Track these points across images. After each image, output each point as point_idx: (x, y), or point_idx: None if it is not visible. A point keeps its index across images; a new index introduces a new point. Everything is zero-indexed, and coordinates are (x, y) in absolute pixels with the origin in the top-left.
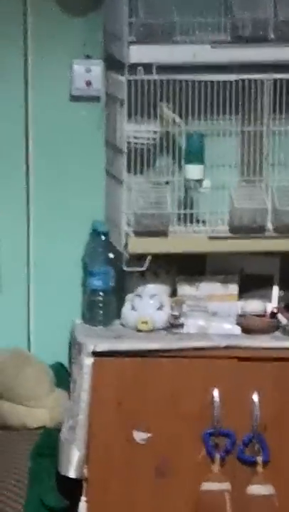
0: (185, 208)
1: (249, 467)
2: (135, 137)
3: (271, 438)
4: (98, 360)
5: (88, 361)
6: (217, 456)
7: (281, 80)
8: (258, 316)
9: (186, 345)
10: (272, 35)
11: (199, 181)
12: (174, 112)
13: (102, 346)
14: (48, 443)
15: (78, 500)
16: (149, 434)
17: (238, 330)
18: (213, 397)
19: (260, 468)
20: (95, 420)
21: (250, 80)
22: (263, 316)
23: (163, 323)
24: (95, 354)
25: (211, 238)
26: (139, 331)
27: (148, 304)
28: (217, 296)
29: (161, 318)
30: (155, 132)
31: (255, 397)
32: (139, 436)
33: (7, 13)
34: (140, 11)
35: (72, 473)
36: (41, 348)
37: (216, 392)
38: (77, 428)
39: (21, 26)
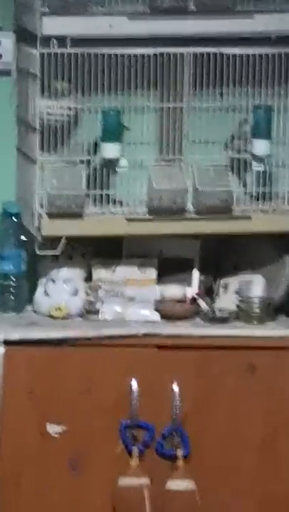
0: (101, 189)
1: (169, 461)
2: (48, 113)
3: (192, 430)
4: (10, 350)
5: None
6: (135, 450)
7: (202, 53)
8: (177, 301)
9: (102, 333)
10: (192, 7)
11: (116, 160)
12: (89, 87)
13: (14, 335)
14: None
15: None
16: (63, 427)
17: (156, 316)
18: (131, 387)
19: (180, 463)
20: (6, 413)
21: (169, 54)
22: (183, 301)
23: (78, 310)
24: (7, 343)
25: (129, 220)
26: (52, 317)
27: (62, 289)
28: (134, 281)
29: (76, 304)
30: (70, 108)
31: (176, 388)
32: (53, 429)
33: None
34: None
35: None
36: None
37: (134, 383)
38: None
39: None
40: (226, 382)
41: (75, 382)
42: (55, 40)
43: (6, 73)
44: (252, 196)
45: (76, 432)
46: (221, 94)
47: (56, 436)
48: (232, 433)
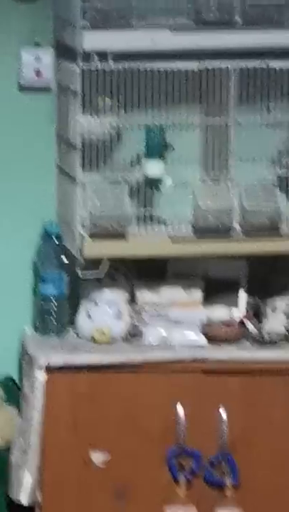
0: (145, 208)
1: (217, 490)
2: (90, 131)
3: (240, 458)
4: (51, 376)
5: (40, 377)
6: (182, 478)
7: (248, 68)
8: (224, 324)
9: (147, 358)
10: (238, 19)
11: (160, 179)
12: (131, 103)
13: (56, 360)
14: None
15: None
16: (107, 455)
17: (202, 340)
18: (177, 413)
19: (228, 491)
20: (49, 441)
21: (214, 69)
22: (230, 324)
23: (121, 333)
24: (48, 369)
25: (174, 240)
26: (95, 341)
27: (105, 311)
28: (180, 303)
29: (120, 327)
30: (111, 126)
31: (223, 414)
32: (97, 457)
33: None
34: None
35: (23, 499)
36: None
37: (180, 409)
38: (29, 450)
39: None
40: (276, 408)
41: (120, 409)
42: (96, 56)
43: (46, 90)
44: None
45: (121, 460)
46: (268, 109)
47: (100, 464)
48: (282, 461)
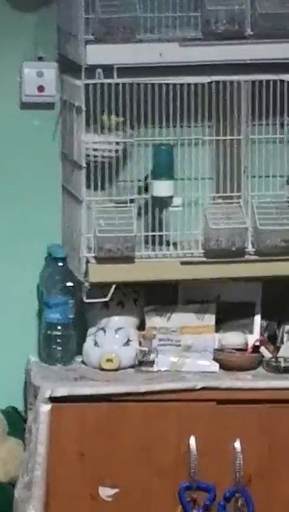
0: (153, 230)
1: None
2: (95, 149)
3: (257, 491)
4: (56, 407)
5: (45, 408)
6: None
7: (260, 81)
8: (238, 350)
9: (157, 388)
10: (249, 31)
11: (169, 199)
12: (138, 120)
13: (61, 391)
14: (0, 500)
15: None
16: (116, 490)
17: (215, 367)
18: (189, 446)
19: None
20: (55, 476)
21: (224, 82)
22: (244, 350)
23: (130, 361)
24: (53, 400)
25: (184, 263)
26: (103, 369)
27: (113, 338)
28: (191, 328)
29: (129, 354)
30: (117, 144)
31: (238, 445)
32: (106, 492)
33: None
34: (98, 6)
35: None
36: None
37: (192, 441)
38: (34, 485)
39: None
40: None
41: (129, 441)
42: (100, 70)
43: (49, 106)
44: None
45: (130, 496)
46: (282, 125)
47: (109, 499)
48: None
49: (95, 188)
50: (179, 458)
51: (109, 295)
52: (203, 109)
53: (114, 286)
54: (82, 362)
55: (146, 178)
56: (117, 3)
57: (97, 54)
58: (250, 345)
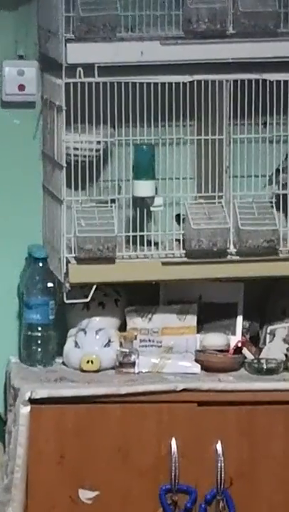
0: (134, 230)
1: None
2: (75, 148)
3: (238, 494)
4: (36, 408)
5: (24, 410)
6: None
7: (243, 80)
8: (220, 351)
9: (138, 390)
10: (231, 29)
11: (150, 199)
12: (120, 119)
13: (41, 392)
14: None
15: None
16: (96, 492)
17: (197, 368)
18: (170, 448)
19: None
20: (34, 478)
21: (206, 81)
22: (226, 351)
23: (111, 362)
24: (32, 401)
25: (165, 264)
26: (83, 371)
27: (93, 339)
28: (173, 329)
29: (109, 355)
30: (98, 143)
31: (219, 448)
32: (86, 495)
33: None
34: (78, 4)
35: None
36: None
37: (173, 443)
38: (13, 488)
39: None
40: (275, 441)
41: (109, 443)
42: (81, 69)
43: (30, 105)
44: None
45: (110, 498)
46: (265, 124)
47: (89, 502)
48: (281, 497)
49: (76, 188)
50: (160, 460)
51: (90, 296)
52: (184, 109)
53: (94, 287)
54: (63, 363)
55: (127, 179)
56: (97, 1)
57: (77, 53)
58: (232, 346)
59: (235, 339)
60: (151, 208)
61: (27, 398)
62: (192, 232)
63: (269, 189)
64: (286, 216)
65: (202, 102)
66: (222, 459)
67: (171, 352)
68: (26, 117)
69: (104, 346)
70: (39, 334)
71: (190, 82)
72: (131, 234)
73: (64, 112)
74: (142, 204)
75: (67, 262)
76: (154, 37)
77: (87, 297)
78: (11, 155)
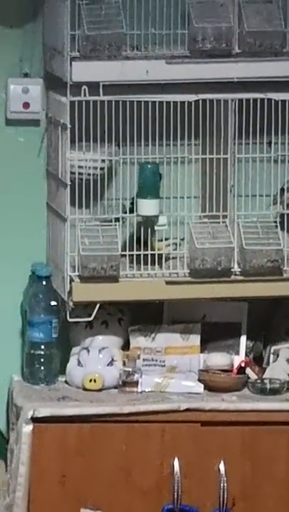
0: (138, 249)
1: None
2: (80, 167)
3: None
4: (38, 427)
5: (27, 429)
6: None
7: (248, 99)
8: (223, 371)
9: (141, 409)
10: (236, 49)
11: (154, 217)
12: (124, 138)
13: (44, 411)
14: None
15: None
16: None
17: (200, 388)
18: (172, 467)
19: None
20: (36, 497)
21: (211, 100)
22: (230, 371)
23: (114, 381)
24: (35, 420)
25: (169, 283)
26: (86, 389)
27: (97, 358)
28: (176, 349)
29: (112, 374)
30: (103, 161)
31: (222, 468)
32: None
33: None
34: (84, 23)
35: None
36: None
37: (176, 462)
38: (15, 507)
39: None
40: (278, 462)
41: (112, 463)
42: (86, 88)
43: (35, 123)
44: None
45: None
46: (269, 144)
47: None
48: None
49: (80, 206)
50: (162, 480)
51: (93, 314)
52: (189, 128)
53: (98, 306)
54: (66, 382)
55: (132, 198)
56: (103, 19)
57: (82, 71)
58: (235, 366)
59: (238, 359)
60: (156, 227)
61: (29, 417)
62: (196, 251)
63: (273, 209)
64: None
65: (207, 121)
66: (225, 479)
67: (174, 371)
68: (31, 135)
69: (108, 365)
70: (42, 352)
71: (195, 101)
72: (135, 253)
73: (69, 129)
74: (146, 223)
75: (71, 280)
76: (160, 56)
77: (90, 316)
78: (16, 172)
